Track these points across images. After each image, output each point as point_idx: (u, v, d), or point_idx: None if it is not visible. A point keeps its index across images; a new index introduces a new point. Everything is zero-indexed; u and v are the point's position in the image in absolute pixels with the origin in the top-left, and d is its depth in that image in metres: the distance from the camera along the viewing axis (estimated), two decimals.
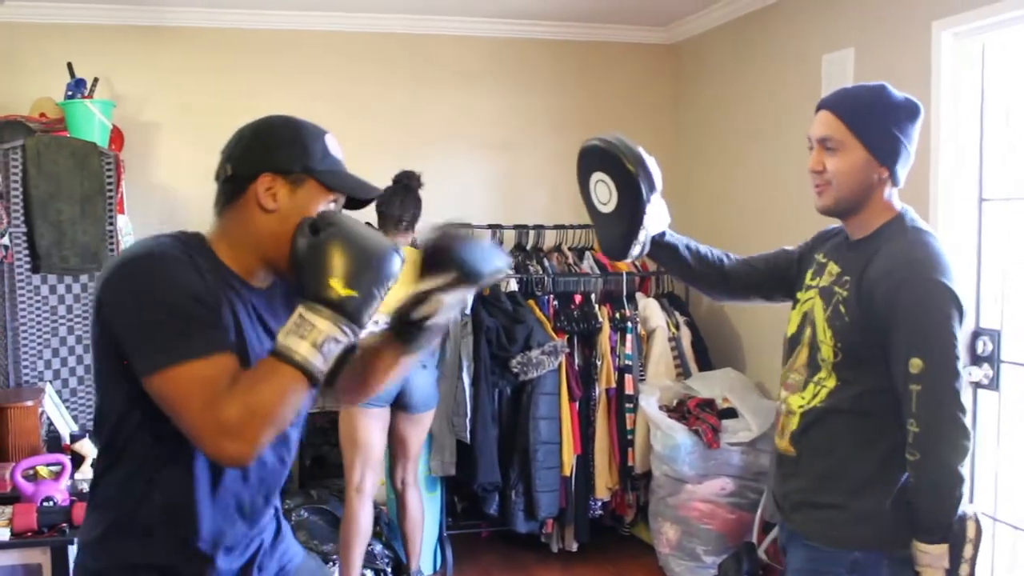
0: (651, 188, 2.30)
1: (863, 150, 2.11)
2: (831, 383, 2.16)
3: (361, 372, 1.90)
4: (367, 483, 4.03)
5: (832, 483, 2.16)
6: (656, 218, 2.35)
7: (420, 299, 1.76)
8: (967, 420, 2.02)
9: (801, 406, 2.21)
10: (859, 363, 2.11)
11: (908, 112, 2.14)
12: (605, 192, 2.36)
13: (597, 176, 2.36)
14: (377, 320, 1.77)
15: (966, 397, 2.05)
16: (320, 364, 1.55)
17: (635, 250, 2.36)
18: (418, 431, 4.21)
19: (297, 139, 1.73)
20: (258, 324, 1.75)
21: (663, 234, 2.41)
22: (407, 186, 4.23)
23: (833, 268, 2.22)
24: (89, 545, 1.76)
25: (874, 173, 2.12)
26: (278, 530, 1.94)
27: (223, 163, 1.75)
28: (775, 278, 2.46)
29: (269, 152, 1.72)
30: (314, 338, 1.53)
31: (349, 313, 1.55)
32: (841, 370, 2.14)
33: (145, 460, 1.68)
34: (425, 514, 4.33)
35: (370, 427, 4.02)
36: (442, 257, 1.76)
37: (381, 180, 5.02)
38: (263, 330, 1.76)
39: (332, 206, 1.75)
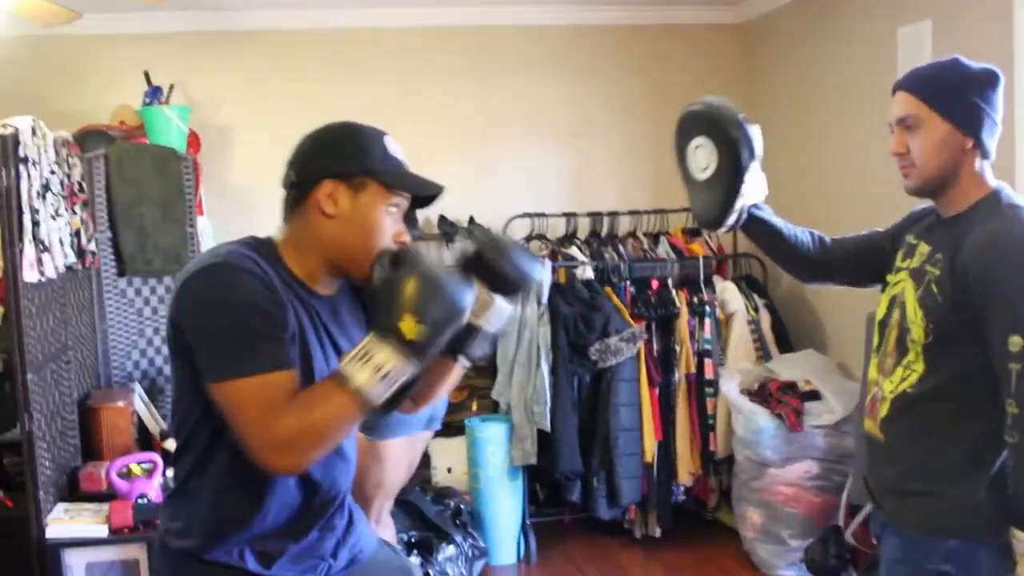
0: (751, 155, 2.26)
1: (944, 123, 2.04)
2: (919, 367, 2.08)
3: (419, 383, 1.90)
4: None
5: (923, 471, 2.10)
6: (754, 188, 2.30)
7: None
8: None
9: (891, 391, 2.15)
10: (950, 344, 2.04)
11: (986, 80, 2.07)
12: (704, 158, 2.30)
13: (696, 141, 2.31)
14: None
15: None
16: (378, 394, 1.57)
17: (731, 219, 2.32)
18: None
19: (355, 142, 1.77)
20: (323, 332, 1.79)
21: (758, 207, 2.37)
22: None
23: (923, 248, 2.15)
24: (171, 532, 1.83)
25: (958, 145, 2.05)
26: (350, 520, 1.97)
27: (287, 170, 1.79)
28: (865, 261, 2.40)
29: (328, 158, 1.76)
30: (376, 368, 1.55)
31: (415, 350, 1.57)
32: (932, 352, 2.06)
33: (216, 456, 1.74)
34: (507, 503, 4.32)
35: None
36: (483, 266, 1.77)
37: (454, 173, 5.09)
38: (327, 338, 1.80)
39: (394, 210, 1.77)
